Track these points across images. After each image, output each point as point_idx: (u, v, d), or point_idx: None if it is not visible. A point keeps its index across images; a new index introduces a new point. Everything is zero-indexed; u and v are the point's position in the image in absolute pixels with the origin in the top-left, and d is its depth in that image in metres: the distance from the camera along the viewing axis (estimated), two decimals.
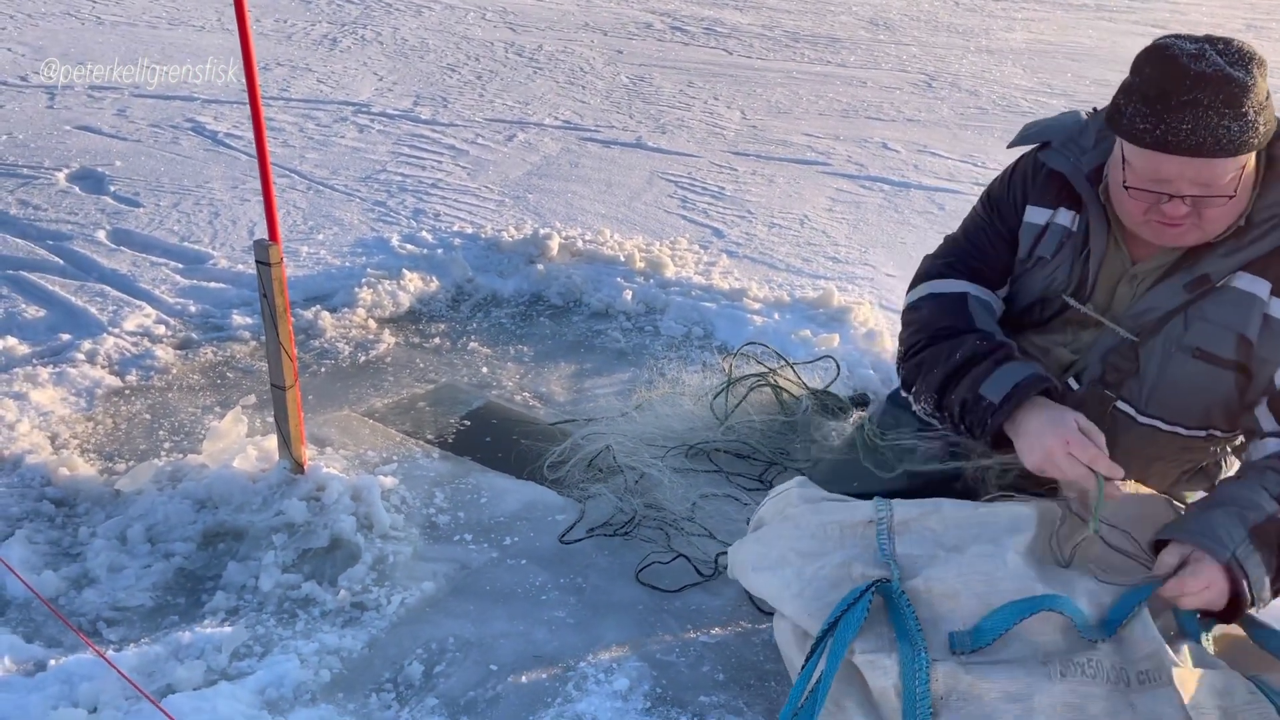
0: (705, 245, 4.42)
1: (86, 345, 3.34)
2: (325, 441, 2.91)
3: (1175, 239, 1.84)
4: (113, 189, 4.87)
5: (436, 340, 3.62)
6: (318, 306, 3.71)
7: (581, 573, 2.44)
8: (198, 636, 2.15)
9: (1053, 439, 1.80)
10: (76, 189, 4.87)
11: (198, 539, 2.47)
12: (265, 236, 2.35)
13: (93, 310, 3.61)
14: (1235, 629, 1.79)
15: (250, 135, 5.80)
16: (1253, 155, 1.75)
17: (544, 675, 2.12)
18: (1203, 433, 1.96)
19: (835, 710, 1.62)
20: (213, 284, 3.88)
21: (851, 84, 7.65)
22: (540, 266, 4.08)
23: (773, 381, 3.03)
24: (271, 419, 3.00)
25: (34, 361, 3.25)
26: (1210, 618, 1.74)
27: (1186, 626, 1.70)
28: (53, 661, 2.07)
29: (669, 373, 3.23)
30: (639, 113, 6.68)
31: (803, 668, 1.66)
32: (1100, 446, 1.79)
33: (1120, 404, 1.97)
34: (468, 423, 3.07)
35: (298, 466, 2.58)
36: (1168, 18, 11.35)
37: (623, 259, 4.10)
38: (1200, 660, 1.63)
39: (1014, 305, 2.12)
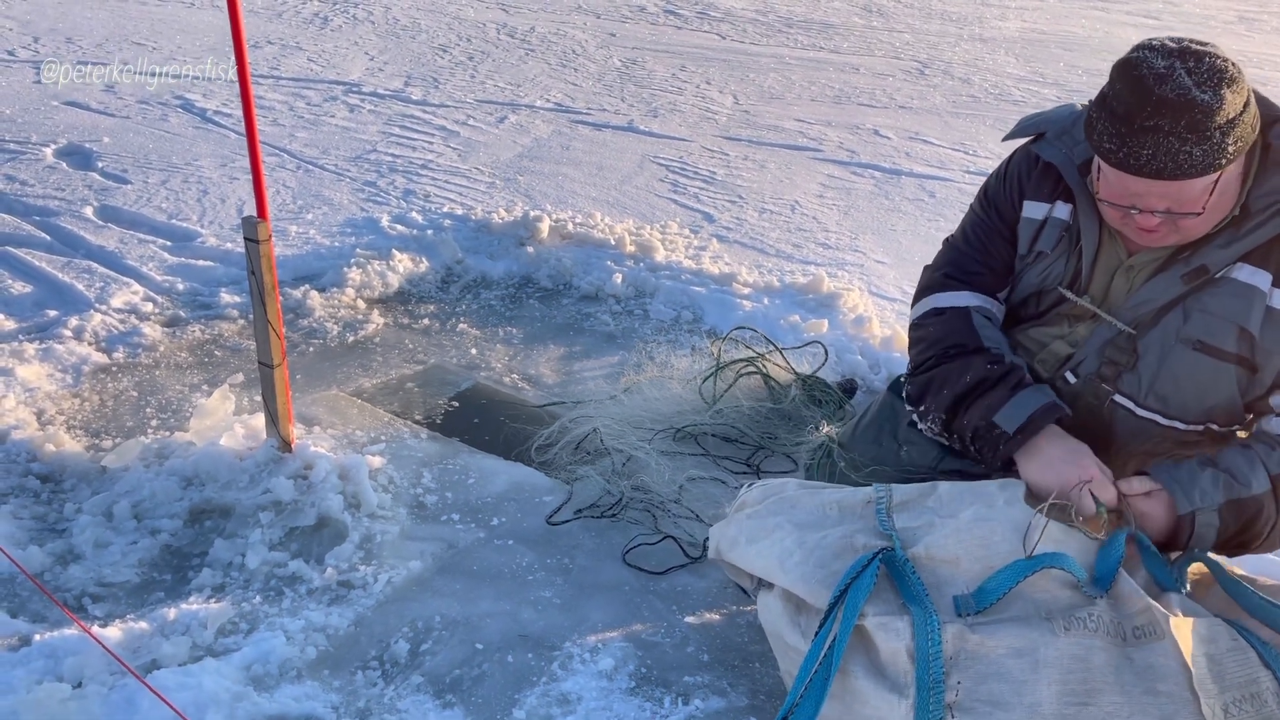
0: (696, 230, 4.42)
1: (74, 322, 3.33)
2: (313, 421, 2.90)
3: (1155, 243, 1.85)
4: (101, 165, 4.84)
5: (425, 321, 3.61)
6: (306, 286, 3.70)
7: (568, 554, 2.44)
8: (183, 613, 2.15)
9: (1070, 473, 1.83)
10: (64, 165, 4.84)
11: (184, 516, 2.46)
12: (254, 214, 2.35)
13: (80, 286, 3.60)
14: (1205, 573, 1.81)
15: (239, 113, 5.77)
16: (1230, 167, 1.74)
17: (529, 655, 2.13)
18: (1200, 427, 1.94)
19: (840, 676, 1.64)
20: (201, 262, 3.87)
21: (844, 70, 7.65)
22: (530, 249, 4.07)
23: (761, 367, 3.04)
24: (259, 397, 3.01)
25: (20, 337, 3.24)
26: (1179, 560, 1.76)
27: (1159, 578, 1.72)
28: (37, 637, 2.06)
29: (658, 356, 3.24)
30: (631, 96, 6.67)
31: (815, 634, 1.68)
32: (1114, 486, 1.83)
33: (1118, 397, 1.96)
34: (456, 404, 3.07)
35: (285, 445, 2.58)
36: (1161, 8, 11.36)
37: (613, 242, 4.10)
38: (1186, 609, 1.65)
39: (1012, 298, 2.12)
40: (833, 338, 3.33)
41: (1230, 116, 1.68)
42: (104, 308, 3.46)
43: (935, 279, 2.17)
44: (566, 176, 5.03)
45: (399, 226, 4.21)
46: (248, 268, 2.39)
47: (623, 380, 3.14)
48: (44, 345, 3.18)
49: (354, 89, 6.46)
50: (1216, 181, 1.72)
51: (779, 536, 1.89)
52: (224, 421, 2.70)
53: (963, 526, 1.78)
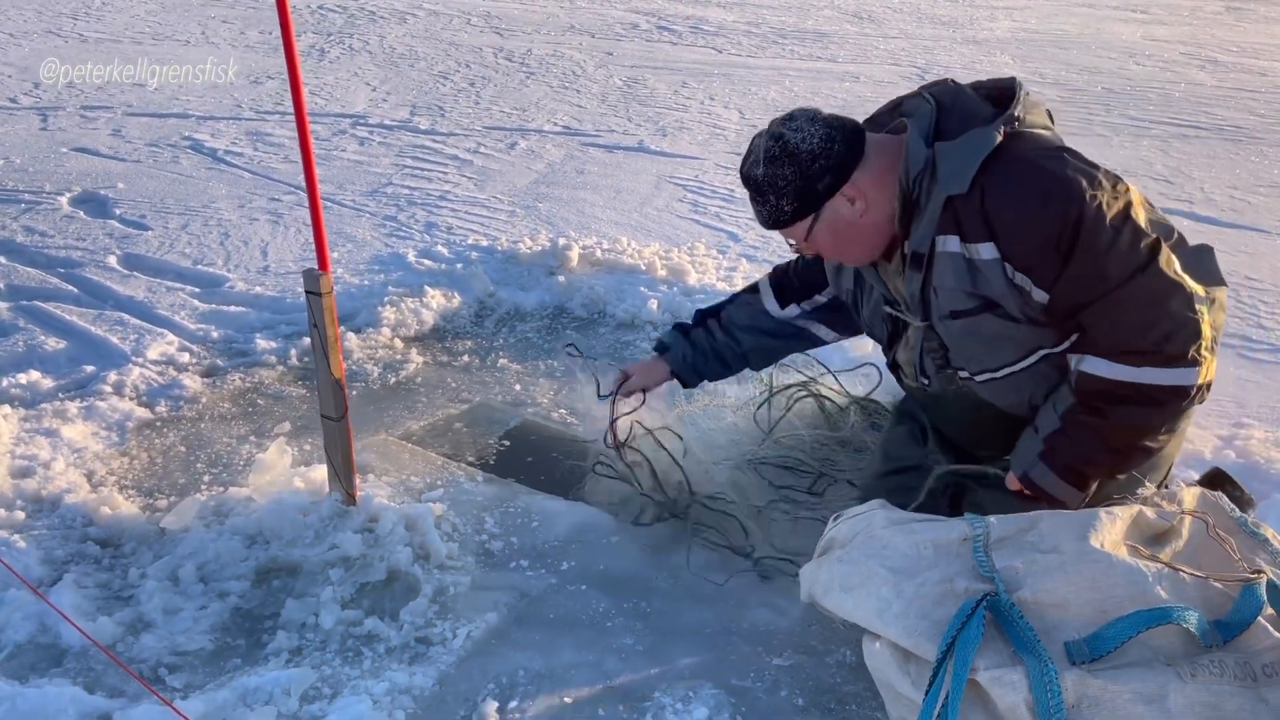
0: (723, 250, 4.38)
1: (112, 376, 3.26)
2: (366, 468, 2.84)
3: (850, 261, 2.26)
4: (118, 212, 4.77)
5: (465, 358, 3.56)
6: (342, 328, 3.63)
7: (644, 596, 2.38)
8: (264, 679, 2.08)
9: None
10: (81, 213, 4.77)
11: (251, 577, 2.40)
12: (315, 266, 2.30)
13: (114, 339, 3.53)
14: None
15: (250, 152, 5.72)
16: (823, 212, 2.07)
17: (620, 707, 2.07)
18: (1031, 359, 2.09)
19: None
20: (232, 308, 3.81)
21: (844, 79, 7.62)
22: (561, 278, 4.02)
23: (814, 391, 3.00)
24: (308, 446, 2.96)
25: (60, 396, 3.17)
26: None
27: None
28: (118, 714, 2.01)
29: (708, 384, 3.19)
30: (637, 115, 6.63)
31: (927, 690, 1.62)
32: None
33: (962, 374, 2.19)
34: (506, 443, 3.02)
35: (349, 498, 2.52)
36: (1149, 1, 11.37)
37: (643, 267, 4.05)
38: None
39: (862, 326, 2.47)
40: (881, 357, 3.28)
41: (781, 186, 2.06)
42: (141, 360, 3.39)
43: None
44: (585, 201, 4.98)
45: (426, 261, 4.15)
46: (309, 320, 2.34)
47: (675, 411, 3.08)
48: (86, 403, 3.11)
49: (360, 121, 6.40)
50: (811, 226, 2.09)
51: (875, 585, 1.82)
52: (283, 475, 2.64)
53: (1069, 565, 1.71)
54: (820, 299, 2.57)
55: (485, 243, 4.37)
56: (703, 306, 2.78)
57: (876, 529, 1.94)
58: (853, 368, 3.13)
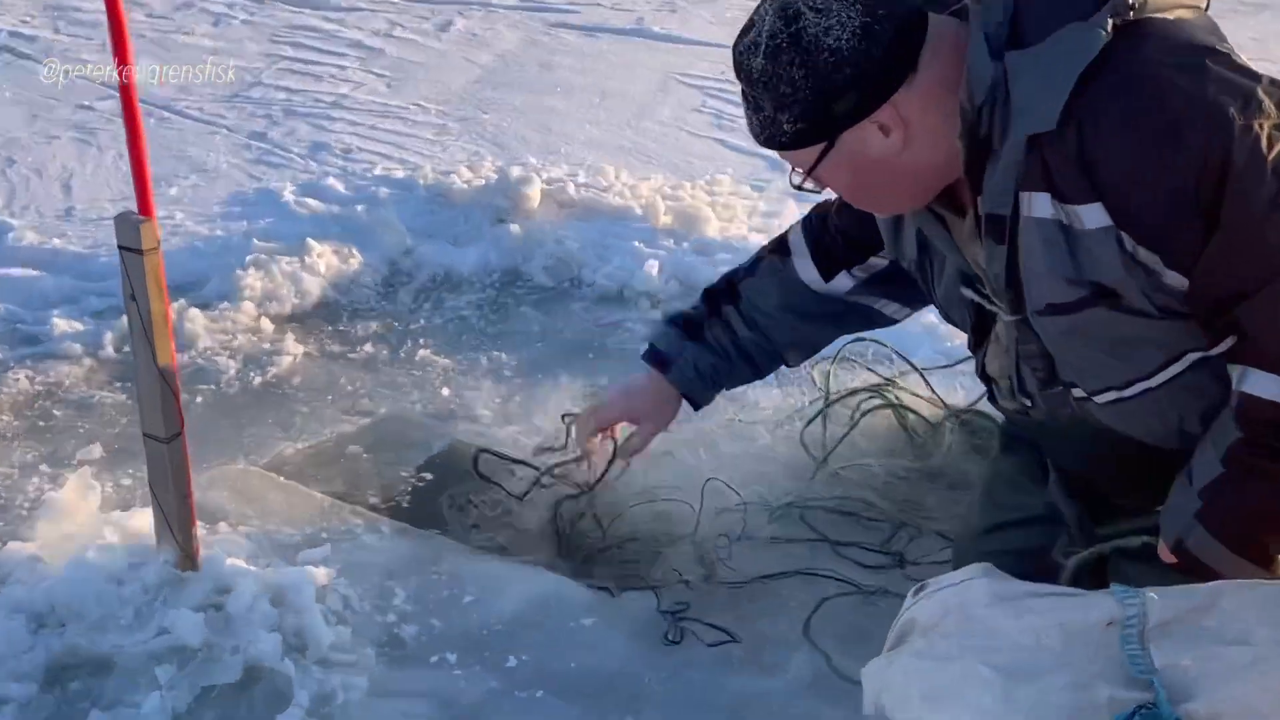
0: (760, 186, 4.36)
1: None
2: (215, 514, 2.81)
3: (880, 212, 2.29)
4: None
5: (367, 347, 3.56)
6: (182, 301, 3.62)
7: (631, 707, 2.35)
8: None
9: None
10: None
11: (39, 676, 2.34)
12: (134, 209, 2.28)
13: None
14: None
15: (49, 36, 5.72)
16: (840, 142, 2.01)
17: None
18: (1175, 368, 2.06)
19: None
20: (16, 270, 3.81)
21: None
22: (515, 227, 4.04)
23: (893, 399, 3.00)
24: (129, 481, 2.96)
25: None
26: None
27: None
28: None
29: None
30: None
31: None
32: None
33: (1074, 393, 2.17)
34: (429, 476, 3.00)
35: (187, 559, 2.51)
36: None
37: (638, 211, 4.07)
38: None
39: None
40: None
41: (783, 91, 1.98)
42: None
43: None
44: (554, 112, 4.98)
45: (310, 201, 4.17)
46: (125, 291, 2.33)
47: (679, 428, 3.08)
48: None
49: None
50: (827, 150, 2.02)
51: (974, 693, 1.80)
52: (88, 524, 2.62)
53: (1267, 663, 1.73)
54: (880, 262, 2.56)
55: (401, 174, 4.37)
56: (712, 283, 2.76)
57: (977, 607, 1.94)
58: (951, 363, 3.14)
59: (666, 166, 4.50)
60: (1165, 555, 2.11)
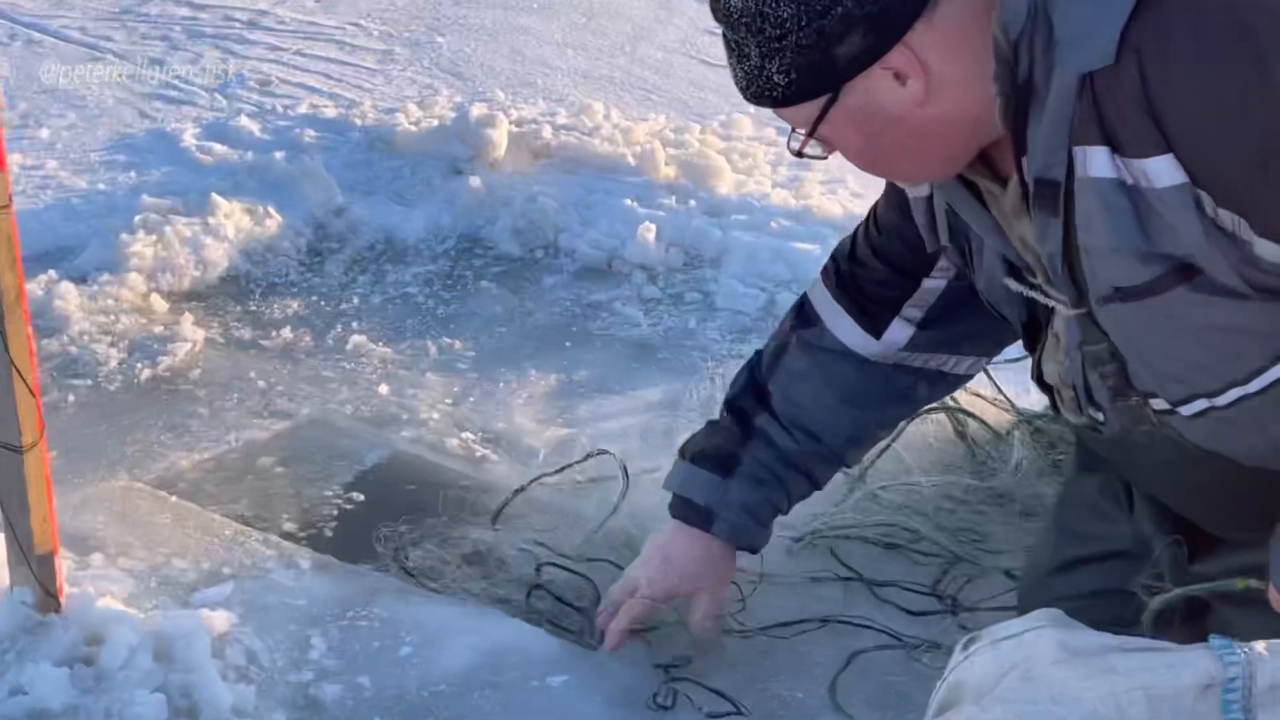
0: (785, 130, 4.35)
1: None
2: (89, 541, 2.81)
3: (898, 179, 2.37)
4: None
5: (286, 332, 3.55)
6: (51, 273, 3.63)
7: None
8: None
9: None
10: None
11: None
12: None
13: None
14: None
15: None
16: (845, 93, 2.03)
17: None
18: (1278, 371, 2.05)
19: None
20: None
21: None
22: (475, 179, 4.02)
23: (949, 400, 2.99)
24: None
25: None
26: None
27: None
28: None
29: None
30: None
31: None
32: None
33: (1152, 403, 2.18)
34: (360, 496, 3.02)
35: (49, 600, 2.49)
36: None
37: (632, 160, 4.06)
38: None
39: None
40: None
41: (772, 33, 2.00)
42: None
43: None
44: (527, 34, 4.99)
45: (217, 147, 4.18)
46: None
47: (678, 435, 3.07)
48: None
49: None
50: (830, 104, 2.04)
51: None
52: None
53: None
54: (936, 283, 2.56)
55: (332, 112, 4.38)
56: (732, 389, 2.73)
57: (1042, 665, 1.89)
58: (1022, 355, 3.13)
59: (669, 104, 4.50)
60: (1276, 601, 2.06)
